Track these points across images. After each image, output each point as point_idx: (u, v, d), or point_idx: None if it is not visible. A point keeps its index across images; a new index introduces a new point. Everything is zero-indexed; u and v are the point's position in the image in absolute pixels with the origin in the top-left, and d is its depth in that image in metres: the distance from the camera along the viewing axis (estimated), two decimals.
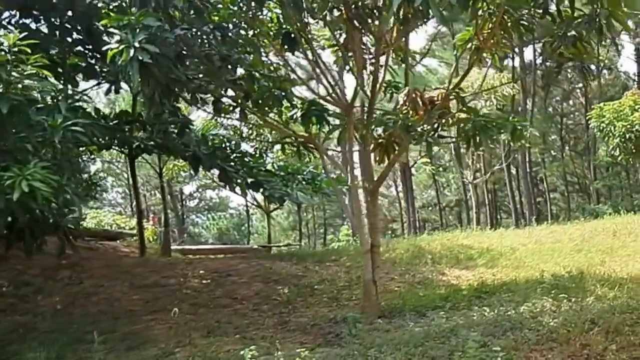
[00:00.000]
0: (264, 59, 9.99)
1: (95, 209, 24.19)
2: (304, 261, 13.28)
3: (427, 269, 11.84)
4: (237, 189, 15.12)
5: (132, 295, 11.29)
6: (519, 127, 8.48)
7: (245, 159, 14.23)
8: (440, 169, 40.76)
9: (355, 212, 9.65)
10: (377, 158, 9.49)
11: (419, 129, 8.17)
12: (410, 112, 8.25)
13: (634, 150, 20.95)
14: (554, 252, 12.19)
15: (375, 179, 9.46)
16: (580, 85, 37.71)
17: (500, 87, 20.21)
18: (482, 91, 11.16)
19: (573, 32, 8.48)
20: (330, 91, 9.42)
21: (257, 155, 16.02)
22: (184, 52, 8.75)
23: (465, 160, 31.44)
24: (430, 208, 45.58)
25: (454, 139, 9.16)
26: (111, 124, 12.45)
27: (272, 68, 10.13)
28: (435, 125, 8.41)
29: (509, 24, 8.80)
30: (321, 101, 9.75)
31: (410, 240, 16.19)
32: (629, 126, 20.27)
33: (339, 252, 14.96)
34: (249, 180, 13.14)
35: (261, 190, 13.43)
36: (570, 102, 41.21)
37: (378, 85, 9.32)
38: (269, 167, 15.37)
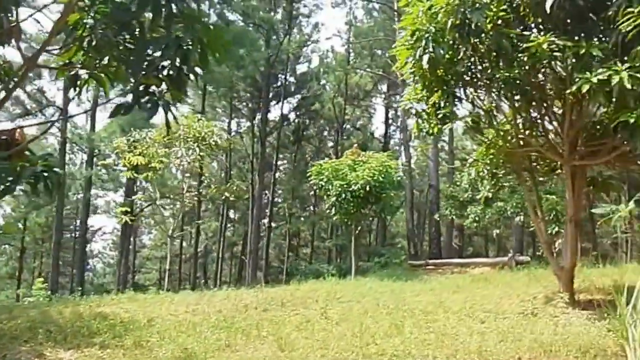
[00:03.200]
0: None
1: None
2: None
3: (29, 348, 9.20)
4: None
5: None
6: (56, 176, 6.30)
7: None
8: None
9: None
10: None
11: None
12: None
13: (352, 211, 20.48)
14: (192, 328, 10.19)
15: None
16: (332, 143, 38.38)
17: (209, 136, 18.73)
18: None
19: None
20: None
21: None
22: None
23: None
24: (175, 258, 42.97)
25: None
26: None
27: None
28: None
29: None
30: None
31: (53, 303, 13.39)
32: (345, 185, 19.80)
33: None
34: None
35: None
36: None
37: None
38: None
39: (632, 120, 8.09)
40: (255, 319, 11.07)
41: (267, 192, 37.64)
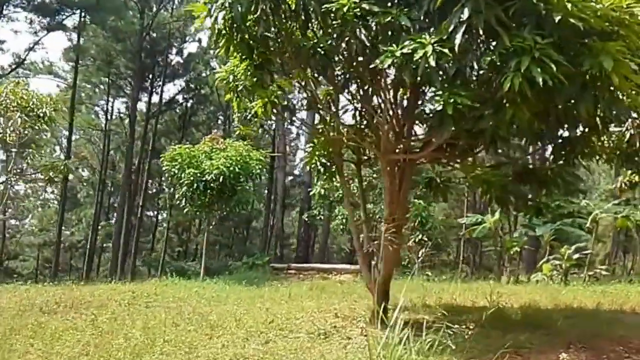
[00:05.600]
0: None
1: None
2: None
3: None
4: None
5: None
6: None
7: None
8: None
9: None
10: None
11: None
12: None
13: (207, 203, 18.47)
14: None
15: None
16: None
17: (37, 106, 16.12)
18: None
19: None
20: None
21: None
22: None
23: None
24: (52, 247, 39.72)
25: None
26: None
27: None
28: None
29: None
30: None
31: None
32: (199, 174, 17.76)
33: None
34: None
35: None
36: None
37: None
38: None
39: (438, 107, 6.57)
40: (18, 323, 9.29)
41: (151, 181, 35.09)
